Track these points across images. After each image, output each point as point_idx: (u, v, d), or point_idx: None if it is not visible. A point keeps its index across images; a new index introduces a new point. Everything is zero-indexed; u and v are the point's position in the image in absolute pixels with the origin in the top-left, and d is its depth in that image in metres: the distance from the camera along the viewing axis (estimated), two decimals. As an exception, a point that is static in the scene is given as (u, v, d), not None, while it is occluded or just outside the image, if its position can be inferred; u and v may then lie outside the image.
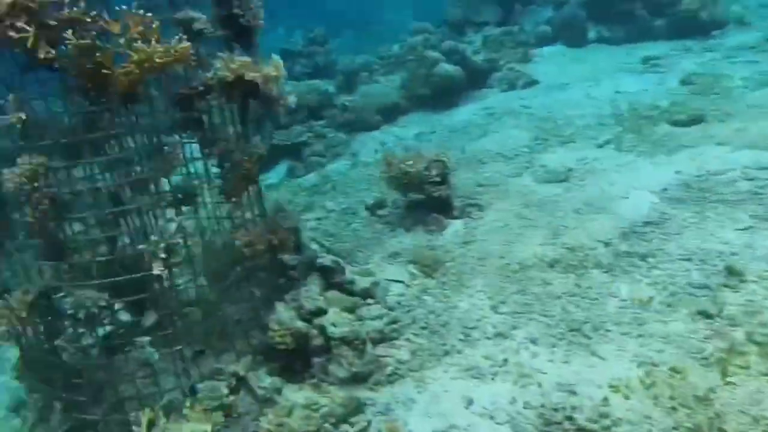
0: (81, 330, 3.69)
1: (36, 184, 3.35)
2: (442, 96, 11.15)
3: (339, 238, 6.89)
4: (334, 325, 4.44)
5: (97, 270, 3.74)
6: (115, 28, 3.20)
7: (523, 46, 13.25)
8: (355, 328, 4.48)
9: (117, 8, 3.31)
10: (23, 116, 3.25)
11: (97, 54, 3.14)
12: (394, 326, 4.89)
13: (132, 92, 3.31)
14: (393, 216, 7.15)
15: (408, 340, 4.81)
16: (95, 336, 3.73)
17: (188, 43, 3.33)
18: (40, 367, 4.28)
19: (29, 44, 3.01)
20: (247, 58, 3.99)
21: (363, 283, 5.25)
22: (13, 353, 6.95)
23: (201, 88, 3.64)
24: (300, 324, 4.35)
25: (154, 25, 3.25)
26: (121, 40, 3.17)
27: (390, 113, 11.11)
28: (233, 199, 4.21)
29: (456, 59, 11.46)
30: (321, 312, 4.51)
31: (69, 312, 3.61)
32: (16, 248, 3.88)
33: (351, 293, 5.14)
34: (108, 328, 4.06)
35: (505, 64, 12.28)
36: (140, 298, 3.72)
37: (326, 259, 5.21)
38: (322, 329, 4.42)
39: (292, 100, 4.36)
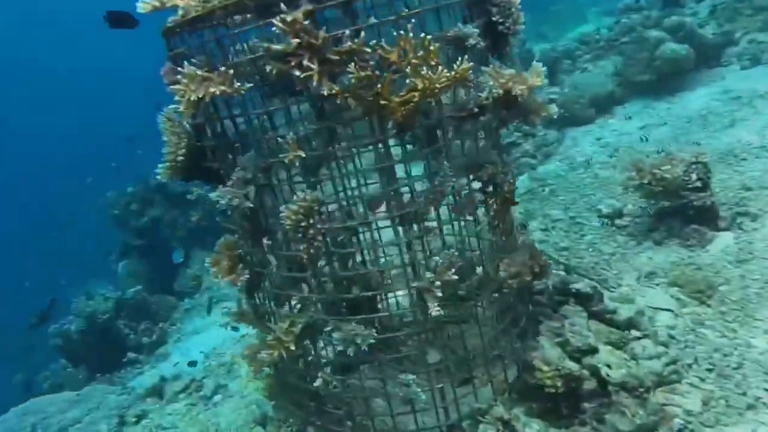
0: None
1: (311, 221, 3.31)
2: (667, 80, 9.90)
3: (574, 252, 6.31)
4: (608, 366, 3.92)
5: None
6: (393, 56, 3.01)
7: (765, 11, 11.27)
8: (633, 371, 3.93)
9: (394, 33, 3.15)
10: (302, 154, 3.22)
11: (378, 85, 2.98)
12: (674, 367, 4.22)
13: (409, 122, 3.12)
14: (636, 226, 6.37)
15: (693, 385, 4.12)
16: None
17: (470, 64, 3.05)
18: (291, 390, 4.39)
19: (315, 81, 2.94)
20: (509, 70, 3.63)
21: (626, 312, 4.64)
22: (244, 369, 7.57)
23: (475, 110, 3.36)
24: (571, 365, 3.90)
25: (432, 48, 3.01)
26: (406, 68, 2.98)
27: (604, 104, 10.13)
28: (497, 224, 3.88)
29: (682, 36, 10.07)
30: (592, 350, 4.02)
31: (339, 346, 3.56)
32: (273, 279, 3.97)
33: (613, 324, 4.57)
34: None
35: (743, 36, 10.55)
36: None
37: (582, 284, 4.69)
38: (595, 371, 3.93)
39: (554, 110, 3.92)
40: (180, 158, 3.67)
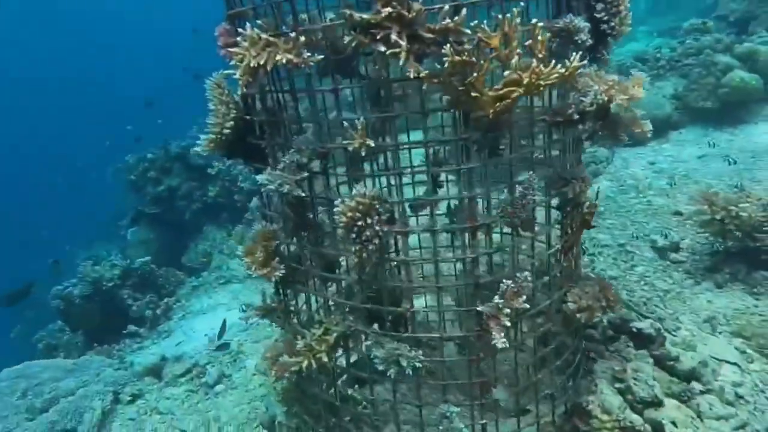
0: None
1: (369, 220, 2.92)
2: (730, 110, 9.39)
3: (623, 283, 5.87)
4: (674, 424, 3.51)
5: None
6: (495, 42, 2.60)
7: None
8: (701, 433, 3.51)
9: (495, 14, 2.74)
10: (371, 143, 2.82)
11: (475, 73, 2.57)
12: (743, 432, 3.79)
13: (501, 121, 2.71)
14: (694, 264, 5.92)
15: (764, 456, 3.69)
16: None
17: (583, 62, 2.63)
18: (311, 401, 4.02)
19: (401, 61, 2.53)
20: (612, 75, 3.21)
21: (689, 361, 4.21)
22: (250, 363, 7.21)
23: (576, 116, 2.94)
24: (634, 417, 3.49)
25: (540, 37, 2.59)
26: (507, 58, 2.56)
27: (660, 127, 9.64)
28: (568, 249, 3.47)
29: (752, 65, 9.56)
30: (657, 403, 3.61)
31: (379, 366, 3.17)
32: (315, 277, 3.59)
33: (675, 373, 4.14)
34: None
35: (815, 73, 9.99)
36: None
37: (645, 323, 4.27)
38: (659, 428, 3.52)
39: (649, 127, 3.50)
40: (226, 131, 3.29)
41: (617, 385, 3.71)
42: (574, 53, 2.63)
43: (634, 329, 4.25)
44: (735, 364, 4.39)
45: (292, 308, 3.86)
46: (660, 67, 11.10)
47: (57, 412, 6.58)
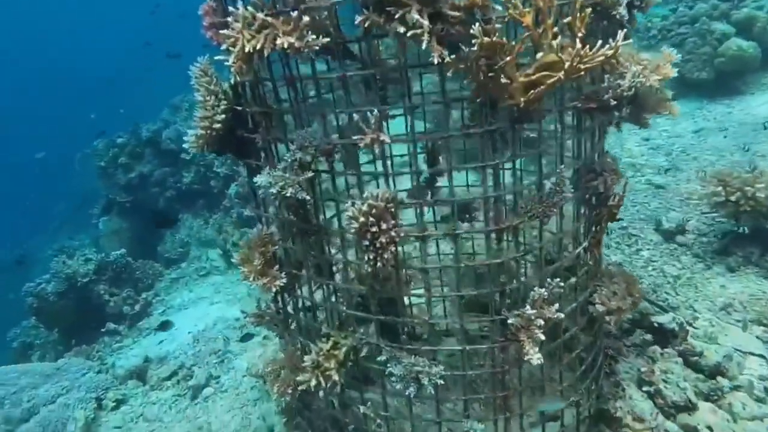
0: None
1: (384, 225, 2.61)
2: (725, 80, 9.20)
3: (629, 269, 5.67)
4: (710, 429, 3.31)
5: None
6: (527, 19, 2.29)
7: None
8: (738, 437, 3.32)
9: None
10: (384, 138, 2.50)
11: (507, 56, 2.26)
12: (776, 431, 3.62)
13: (533, 109, 2.41)
14: (702, 247, 5.75)
15: (800, 456, 3.52)
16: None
17: (627, 41, 2.34)
18: (315, 415, 3.76)
19: (424, 44, 2.21)
20: (645, 54, 2.93)
21: (714, 355, 4.03)
22: (239, 363, 6.90)
23: (612, 102, 2.65)
24: (668, 425, 3.28)
25: (583, 13, 2.28)
26: (542, 38, 2.25)
27: (653, 101, 9.42)
28: (595, 245, 3.21)
29: (751, 32, 9.33)
30: (691, 407, 3.40)
31: (396, 384, 2.90)
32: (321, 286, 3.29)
33: (699, 369, 3.96)
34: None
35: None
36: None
37: (666, 317, 4.07)
38: (693, 433, 3.32)
39: (678, 110, 3.24)
40: (217, 125, 2.93)
41: (645, 389, 3.51)
42: (614, 30, 2.32)
43: (656, 324, 4.05)
44: (761, 355, 4.22)
45: (292, 317, 3.56)
46: (651, 37, 10.84)
47: (38, 424, 6.23)
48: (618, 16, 2.61)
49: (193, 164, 13.37)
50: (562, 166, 2.69)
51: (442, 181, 4.03)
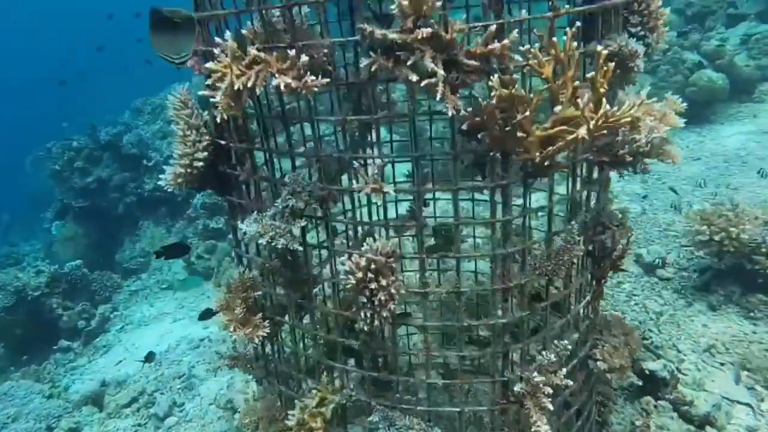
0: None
1: (383, 281, 2.41)
2: (696, 109, 9.33)
3: (611, 303, 5.61)
4: (706, 489, 3.21)
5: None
6: (547, 71, 2.13)
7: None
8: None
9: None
10: (387, 189, 2.30)
11: (526, 110, 2.09)
12: (767, 487, 3.56)
13: (548, 165, 2.24)
14: (682, 282, 5.73)
15: None
16: None
17: (653, 99, 2.20)
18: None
19: (438, 95, 2.02)
20: (659, 103, 2.81)
21: (703, 404, 3.96)
22: (204, 389, 6.56)
23: (628, 158, 2.52)
24: (667, 486, 3.17)
25: (606, 67, 2.13)
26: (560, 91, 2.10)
27: (628, 126, 9.49)
28: (597, 298, 3.08)
29: (719, 64, 9.53)
30: (687, 465, 3.30)
31: (387, 447, 2.69)
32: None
33: (688, 418, 3.88)
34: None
35: (778, 72, 10.09)
36: None
37: (657, 364, 3.98)
38: (690, 494, 3.21)
39: (679, 156, 3.14)
40: (198, 163, 2.68)
41: (640, 445, 3.39)
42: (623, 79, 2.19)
43: (647, 371, 3.95)
44: (747, 404, 4.16)
45: (272, 364, 3.31)
46: (625, 62, 10.90)
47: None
48: (636, 69, 2.48)
49: (156, 171, 12.90)
50: (573, 223, 2.54)
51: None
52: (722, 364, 4.61)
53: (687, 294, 5.56)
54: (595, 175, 2.75)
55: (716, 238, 5.00)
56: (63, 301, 9.71)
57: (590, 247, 2.89)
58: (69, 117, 17.60)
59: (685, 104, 2.99)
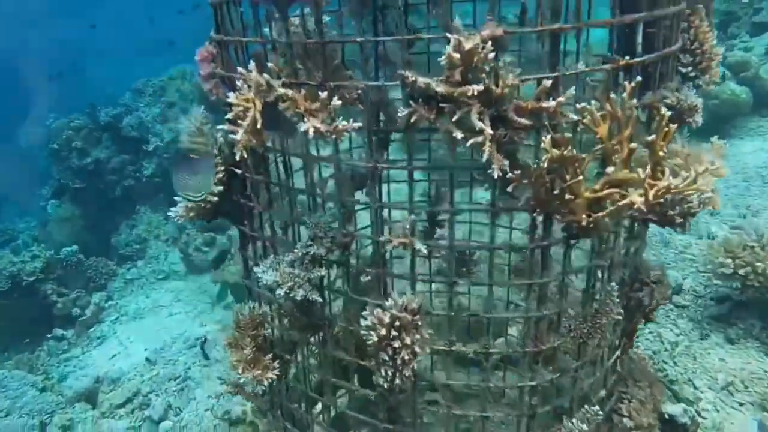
0: None
1: (407, 340, 2.26)
2: (716, 123, 9.12)
3: (626, 329, 5.47)
4: None
5: None
6: (602, 130, 1.96)
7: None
8: None
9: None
10: (419, 247, 2.15)
11: (578, 172, 1.93)
12: None
13: (594, 226, 2.08)
14: (698, 311, 5.59)
15: None
16: None
17: (717, 167, 2.04)
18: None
19: (485, 155, 1.85)
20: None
21: (723, 452, 3.84)
22: (201, 393, 6.44)
23: (678, 219, 2.36)
24: None
25: (667, 128, 1.97)
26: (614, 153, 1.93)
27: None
28: (624, 352, 2.94)
29: (743, 76, 9.32)
30: None
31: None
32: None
33: (708, 467, 3.76)
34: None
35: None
36: None
37: (677, 408, 3.85)
38: None
39: (719, 203, 2.97)
40: (213, 198, 2.52)
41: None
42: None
43: (666, 415, 3.82)
44: (767, 451, 4.05)
45: (279, 402, 3.18)
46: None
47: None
48: (694, 124, 2.32)
49: (156, 155, 12.71)
50: (613, 284, 2.39)
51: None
52: (741, 404, 4.50)
53: (704, 324, 5.42)
54: (637, 230, 2.59)
55: (741, 272, 4.85)
56: (58, 288, 9.58)
57: (625, 302, 2.74)
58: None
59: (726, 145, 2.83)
